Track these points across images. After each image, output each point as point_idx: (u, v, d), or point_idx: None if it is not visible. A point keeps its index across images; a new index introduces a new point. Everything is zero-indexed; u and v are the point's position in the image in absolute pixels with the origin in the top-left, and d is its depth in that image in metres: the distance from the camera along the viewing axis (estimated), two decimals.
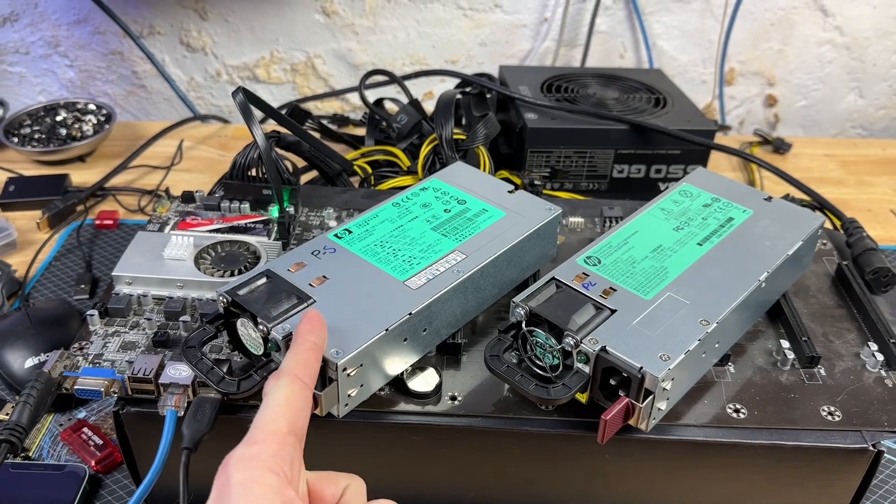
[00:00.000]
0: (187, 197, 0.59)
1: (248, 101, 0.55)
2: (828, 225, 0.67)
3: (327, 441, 0.45)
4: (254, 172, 0.59)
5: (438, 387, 0.45)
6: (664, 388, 0.39)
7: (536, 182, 0.68)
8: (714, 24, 1.01)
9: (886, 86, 1.06)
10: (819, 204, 0.67)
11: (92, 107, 0.91)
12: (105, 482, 0.50)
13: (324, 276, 0.44)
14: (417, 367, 0.45)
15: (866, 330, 0.51)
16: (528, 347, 0.43)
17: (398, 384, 0.45)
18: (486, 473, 0.46)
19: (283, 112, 0.78)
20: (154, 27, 1.01)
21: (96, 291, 0.66)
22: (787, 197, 0.65)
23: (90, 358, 0.45)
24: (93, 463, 0.51)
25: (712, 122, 0.79)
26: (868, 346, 0.49)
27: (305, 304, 0.42)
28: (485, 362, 0.42)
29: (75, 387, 0.43)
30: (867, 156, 0.95)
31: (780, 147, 0.93)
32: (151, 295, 0.50)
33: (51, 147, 0.84)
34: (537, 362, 0.43)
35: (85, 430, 0.53)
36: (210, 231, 0.55)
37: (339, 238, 0.48)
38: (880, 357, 0.48)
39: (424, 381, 0.45)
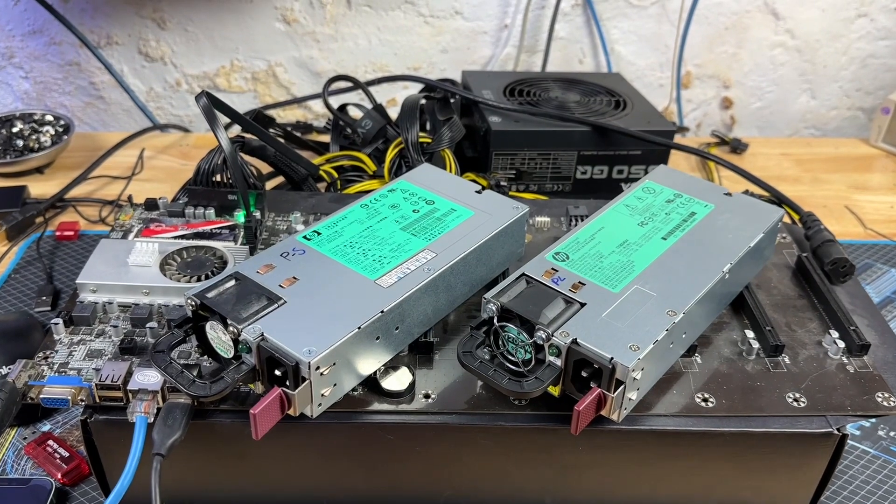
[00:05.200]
0: (150, 204, 0.58)
1: (211, 105, 0.55)
2: (786, 219, 0.69)
3: (301, 442, 0.45)
4: (218, 178, 0.59)
5: (412, 385, 0.45)
6: (634, 378, 0.40)
7: (503, 183, 0.68)
8: (670, 29, 1.03)
9: (837, 87, 1.09)
10: (777, 199, 0.69)
11: (49, 118, 0.89)
12: (72, 495, 0.49)
13: (294, 277, 0.44)
14: (390, 367, 0.45)
15: (827, 319, 0.52)
16: (501, 343, 0.44)
17: (371, 384, 0.45)
18: (462, 470, 0.46)
19: (247, 118, 0.77)
20: (112, 37, 1.00)
21: (58, 303, 0.65)
22: (746, 193, 0.66)
23: (55, 367, 0.44)
24: (59, 476, 0.49)
25: (671, 122, 0.81)
26: (829, 333, 0.50)
27: (276, 305, 0.42)
28: (458, 358, 0.42)
29: (41, 396, 0.42)
30: (821, 154, 0.98)
31: (738, 147, 0.95)
32: (117, 302, 0.49)
33: (7, 159, 0.83)
34: (510, 357, 0.43)
35: (50, 442, 0.52)
36: (175, 237, 0.55)
37: (308, 240, 0.48)
38: (841, 344, 0.49)
39: (398, 380, 0.45)
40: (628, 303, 0.43)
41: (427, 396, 0.45)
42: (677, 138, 0.93)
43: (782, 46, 1.05)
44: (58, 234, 0.74)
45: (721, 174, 0.88)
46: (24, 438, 0.53)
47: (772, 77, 1.08)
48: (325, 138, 0.90)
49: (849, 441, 0.56)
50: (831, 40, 1.05)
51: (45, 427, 0.54)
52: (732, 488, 0.47)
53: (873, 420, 0.58)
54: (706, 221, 0.51)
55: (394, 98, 1.05)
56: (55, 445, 0.51)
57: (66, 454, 0.51)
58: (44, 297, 0.65)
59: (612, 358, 0.39)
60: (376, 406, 0.44)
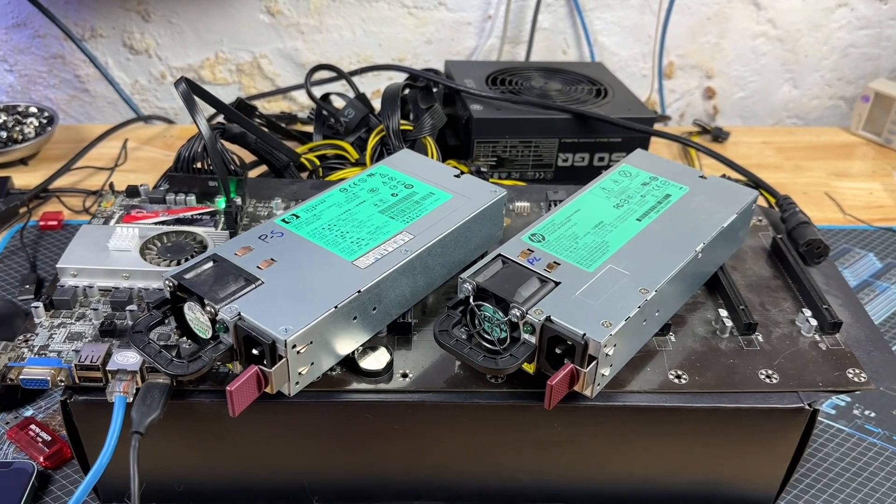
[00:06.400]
0: (132, 191, 0.59)
1: (191, 91, 0.55)
2: (765, 204, 0.69)
3: (279, 421, 0.45)
4: (199, 165, 0.59)
5: (390, 365, 0.45)
6: (607, 354, 0.41)
7: (483, 169, 0.69)
8: (652, 20, 1.03)
9: (818, 76, 1.10)
10: (755, 184, 0.70)
11: (33, 109, 0.90)
12: (55, 478, 0.50)
13: (272, 259, 0.45)
14: (368, 347, 0.46)
15: (801, 298, 0.53)
16: (477, 322, 0.44)
17: (350, 364, 0.45)
18: (439, 448, 0.47)
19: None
20: (96, 30, 1.00)
21: (41, 291, 0.65)
22: (723, 177, 0.67)
23: (35, 349, 0.45)
24: (41, 459, 0.50)
25: (651, 110, 0.82)
26: (802, 312, 0.51)
27: (253, 286, 0.42)
28: (434, 337, 0.43)
29: (20, 377, 0.43)
30: (802, 142, 0.99)
31: (719, 136, 0.96)
32: (97, 286, 0.50)
33: None
34: (486, 336, 0.44)
35: (32, 427, 0.52)
36: (156, 223, 0.55)
37: (287, 223, 0.48)
38: (814, 322, 0.50)
39: (376, 360, 0.45)
40: (602, 281, 0.44)
41: (405, 376, 0.45)
42: (660, 127, 0.93)
43: (764, 36, 1.06)
44: (41, 223, 0.74)
45: (703, 162, 0.89)
46: (7, 423, 0.53)
47: (754, 67, 1.09)
48: (310, 129, 0.91)
49: (825, 420, 0.57)
50: (812, 30, 1.06)
51: (28, 412, 0.54)
52: (707, 464, 0.48)
53: (848, 399, 0.59)
54: (681, 203, 0.52)
55: (379, 89, 1.06)
56: (37, 430, 0.52)
57: (49, 438, 0.51)
58: (27, 286, 0.65)
59: (584, 334, 0.40)
60: (355, 385, 0.44)
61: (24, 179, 0.81)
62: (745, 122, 1.14)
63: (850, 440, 0.55)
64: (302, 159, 0.71)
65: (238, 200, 0.57)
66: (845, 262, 0.75)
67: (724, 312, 0.50)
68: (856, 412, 0.58)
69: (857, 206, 0.84)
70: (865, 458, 0.54)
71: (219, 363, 0.42)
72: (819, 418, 0.56)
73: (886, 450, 0.54)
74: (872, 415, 0.57)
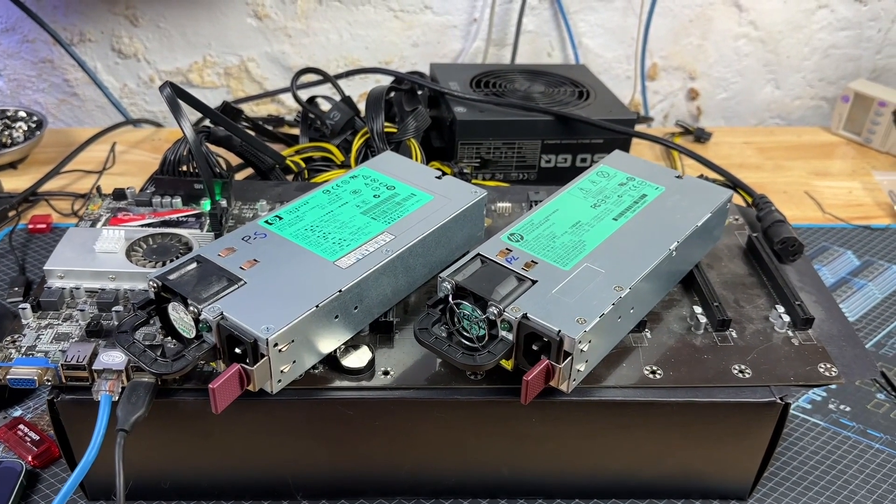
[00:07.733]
0: (118, 194, 0.60)
1: (175, 95, 0.56)
2: (742, 203, 0.71)
3: (262, 418, 0.46)
4: (185, 168, 0.60)
5: (371, 362, 0.46)
6: (582, 350, 0.42)
7: (465, 171, 0.70)
8: (636, 22, 1.05)
9: (800, 77, 1.12)
10: (732, 183, 0.71)
11: (22, 114, 0.90)
12: (43, 476, 0.50)
13: (254, 260, 0.45)
14: (351, 346, 0.47)
15: (775, 295, 0.54)
16: (456, 320, 0.45)
17: (332, 362, 0.46)
18: (420, 444, 0.48)
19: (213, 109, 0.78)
20: (85, 34, 1.01)
21: (30, 294, 0.66)
22: (701, 177, 0.68)
23: (23, 350, 0.46)
24: (29, 458, 0.51)
25: (633, 112, 0.83)
26: (776, 308, 0.52)
27: (236, 286, 0.43)
28: (414, 335, 0.44)
29: (7, 377, 0.43)
30: (783, 142, 1.00)
31: (701, 136, 0.98)
32: (84, 288, 0.50)
33: None
34: (465, 334, 0.45)
35: (21, 427, 0.53)
36: (142, 226, 0.56)
37: (270, 224, 0.49)
38: (787, 318, 0.51)
39: (357, 358, 0.46)
40: (578, 279, 0.45)
41: (386, 373, 0.46)
42: (642, 128, 0.95)
43: (746, 38, 1.08)
44: (30, 227, 0.75)
45: (684, 163, 0.90)
46: None
47: (736, 68, 1.10)
48: (297, 131, 0.91)
49: (800, 414, 0.58)
50: (793, 31, 1.07)
51: (17, 412, 0.55)
52: (683, 457, 0.49)
53: (824, 394, 0.60)
54: (656, 203, 0.53)
55: (365, 92, 1.07)
56: (26, 429, 0.52)
57: (37, 438, 0.52)
58: (16, 288, 0.66)
59: (559, 330, 0.41)
60: (337, 383, 0.45)
61: (13, 183, 0.82)
62: (729, 123, 1.15)
63: (825, 434, 0.56)
64: (288, 161, 0.72)
65: (223, 203, 0.58)
66: (824, 260, 0.76)
67: (698, 309, 0.51)
68: (831, 406, 0.59)
69: (836, 205, 0.86)
70: (840, 452, 0.55)
71: (202, 362, 0.43)
72: (795, 413, 0.58)
73: (860, 443, 0.56)
74: (847, 409, 0.59)
